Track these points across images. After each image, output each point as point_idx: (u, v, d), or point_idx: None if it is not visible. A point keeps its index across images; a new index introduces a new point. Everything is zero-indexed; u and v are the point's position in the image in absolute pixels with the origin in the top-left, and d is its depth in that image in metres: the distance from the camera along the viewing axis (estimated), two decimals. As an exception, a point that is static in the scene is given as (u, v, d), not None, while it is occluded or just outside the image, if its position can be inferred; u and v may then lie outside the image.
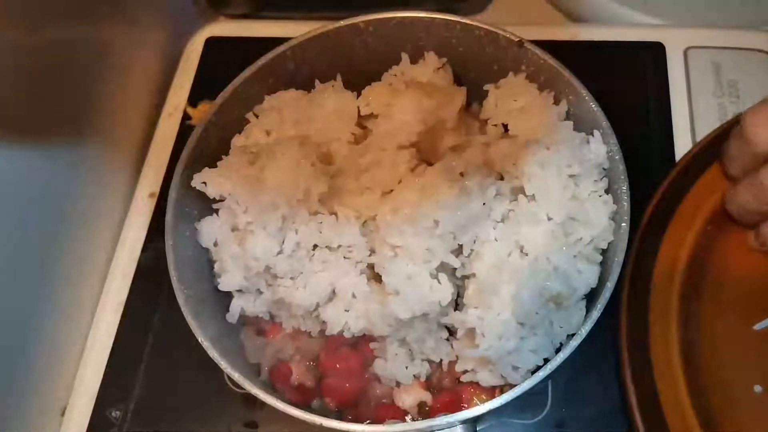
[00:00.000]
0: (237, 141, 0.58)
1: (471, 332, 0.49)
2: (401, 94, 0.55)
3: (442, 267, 0.49)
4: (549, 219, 0.50)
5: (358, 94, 0.58)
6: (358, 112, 0.57)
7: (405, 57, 0.60)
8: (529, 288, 0.47)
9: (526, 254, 0.49)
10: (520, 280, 0.47)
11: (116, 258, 0.66)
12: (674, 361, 0.53)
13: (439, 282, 0.48)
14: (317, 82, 0.60)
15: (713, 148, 0.61)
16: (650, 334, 0.54)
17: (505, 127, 0.57)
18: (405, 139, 0.53)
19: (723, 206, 0.58)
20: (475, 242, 0.49)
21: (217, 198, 0.54)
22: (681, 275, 0.56)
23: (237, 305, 0.53)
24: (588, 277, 0.49)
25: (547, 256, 0.48)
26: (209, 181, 0.53)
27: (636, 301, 0.55)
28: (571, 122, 0.55)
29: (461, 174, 0.50)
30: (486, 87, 0.58)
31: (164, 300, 0.62)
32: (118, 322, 0.62)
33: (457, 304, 0.51)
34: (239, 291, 0.53)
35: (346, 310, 0.49)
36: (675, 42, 0.70)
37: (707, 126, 0.64)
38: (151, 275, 0.63)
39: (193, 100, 0.73)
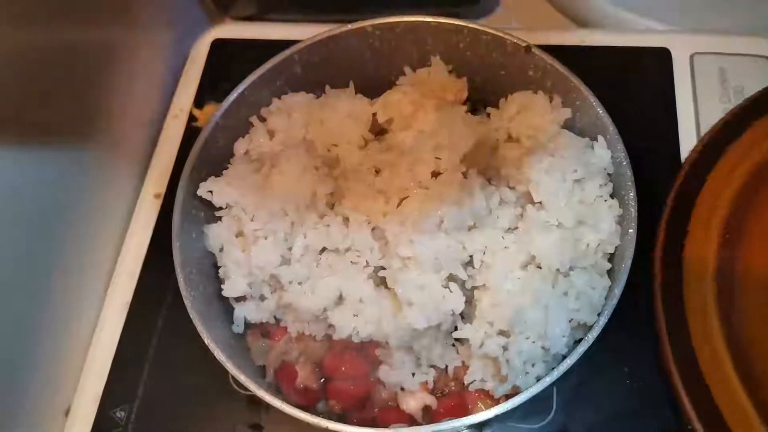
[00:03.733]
0: (240, 144, 0.58)
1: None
2: (421, 108, 0.55)
3: (452, 277, 0.49)
4: (559, 225, 0.50)
5: (367, 98, 0.58)
6: (372, 117, 0.57)
7: (408, 70, 0.60)
8: (559, 320, 0.47)
9: (540, 267, 0.49)
10: (547, 309, 0.47)
11: (122, 258, 0.66)
12: (722, 358, 0.51)
13: (451, 291, 0.48)
14: (327, 87, 0.60)
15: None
16: (691, 333, 0.52)
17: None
18: (429, 151, 0.53)
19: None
20: (485, 253, 0.50)
21: (223, 207, 0.54)
22: (712, 274, 0.54)
23: (240, 315, 0.54)
24: (601, 293, 0.50)
25: (567, 275, 0.49)
26: (215, 190, 0.54)
27: (671, 304, 0.54)
28: (574, 128, 0.56)
29: (464, 175, 0.51)
30: (488, 110, 0.59)
31: (169, 301, 0.62)
32: (123, 322, 0.62)
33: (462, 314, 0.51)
34: (243, 297, 0.54)
35: (354, 315, 0.49)
36: (681, 48, 0.70)
37: (713, 132, 0.65)
38: (156, 276, 0.63)
39: (199, 101, 0.73)
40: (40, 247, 0.57)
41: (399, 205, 0.50)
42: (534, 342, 0.47)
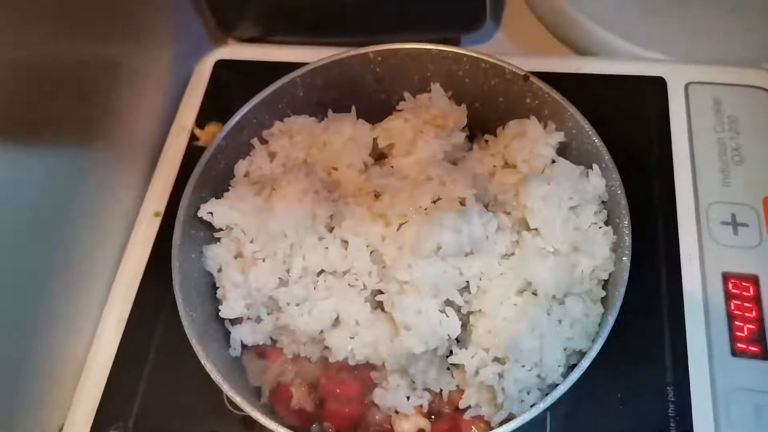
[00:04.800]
0: (240, 166, 0.59)
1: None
2: (421, 135, 0.56)
3: (448, 302, 0.50)
4: (554, 251, 0.50)
5: (368, 122, 0.59)
6: (373, 142, 0.58)
7: (408, 96, 0.61)
8: (555, 349, 0.48)
9: (535, 293, 0.50)
10: (543, 338, 0.48)
11: (119, 275, 0.66)
12: None
13: (447, 315, 0.49)
14: (330, 111, 0.61)
15: None
16: None
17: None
18: (427, 173, 0.54)
19: None
20: (481, 279, 0.50)
21: (224, 228, 0.54)
22: None
23: (237, 337, 0.54)
24: (595, 320, 0.50)
25: (561, 302, 0.49)
26: (216, 212, 0.54)
27: None
28: (570, 156, 0.56)
29: (462, 202, 0.51)
30: (486, 137, 0.60)
31: (166, 319, 0.62)
32: (119, 339, 0.62)
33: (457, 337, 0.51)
34: (239, 319, 0.54)
35: (351, 338, 0.50)
36: (676, 77, 0.71)
37: (707, 161, 0.65)
38: (153, 294, 0.63)
39: (201, 121, 0.73)
40: (37, 261, 0.57)
41: (398, 229, 0.51)
42: (530, 370, 0.48)
